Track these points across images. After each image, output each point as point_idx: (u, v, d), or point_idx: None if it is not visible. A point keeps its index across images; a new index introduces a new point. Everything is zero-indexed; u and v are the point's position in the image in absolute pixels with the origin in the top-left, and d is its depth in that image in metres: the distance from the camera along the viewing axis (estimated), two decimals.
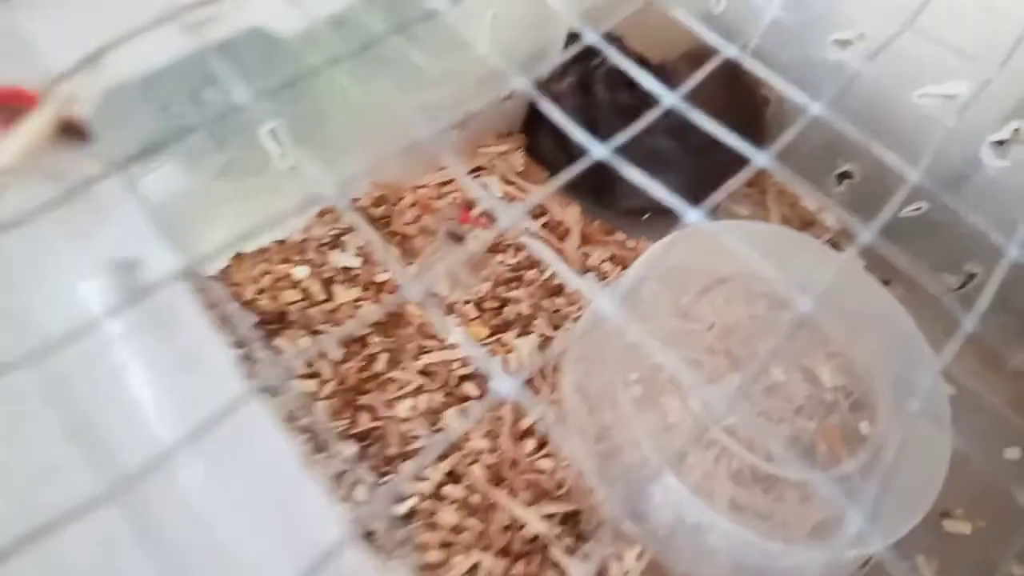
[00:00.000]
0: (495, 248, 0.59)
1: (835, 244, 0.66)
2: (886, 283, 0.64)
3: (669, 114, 0.63)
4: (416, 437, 0.49)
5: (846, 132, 0.27)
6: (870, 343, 0.55)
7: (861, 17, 0.58)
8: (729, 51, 0.30)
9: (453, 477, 0.47)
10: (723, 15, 0.66)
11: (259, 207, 0.53)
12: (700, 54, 0.63)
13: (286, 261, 0.52)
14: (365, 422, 0.49)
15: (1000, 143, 0.54)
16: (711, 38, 0.31)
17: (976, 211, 0.58)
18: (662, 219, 0.64)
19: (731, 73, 0.64)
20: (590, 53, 0.65)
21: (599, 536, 0.48)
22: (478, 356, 0.51)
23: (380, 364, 0.51)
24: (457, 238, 0.59)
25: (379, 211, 0.57)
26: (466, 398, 0.51)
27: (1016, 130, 0.53)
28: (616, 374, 0.54)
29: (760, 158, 0.26)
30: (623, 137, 0.28)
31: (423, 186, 0.61)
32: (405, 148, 0.55)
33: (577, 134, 0.26)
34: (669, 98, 0.31)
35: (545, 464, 0.49)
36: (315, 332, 0.50)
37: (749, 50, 0.66)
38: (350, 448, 0.47)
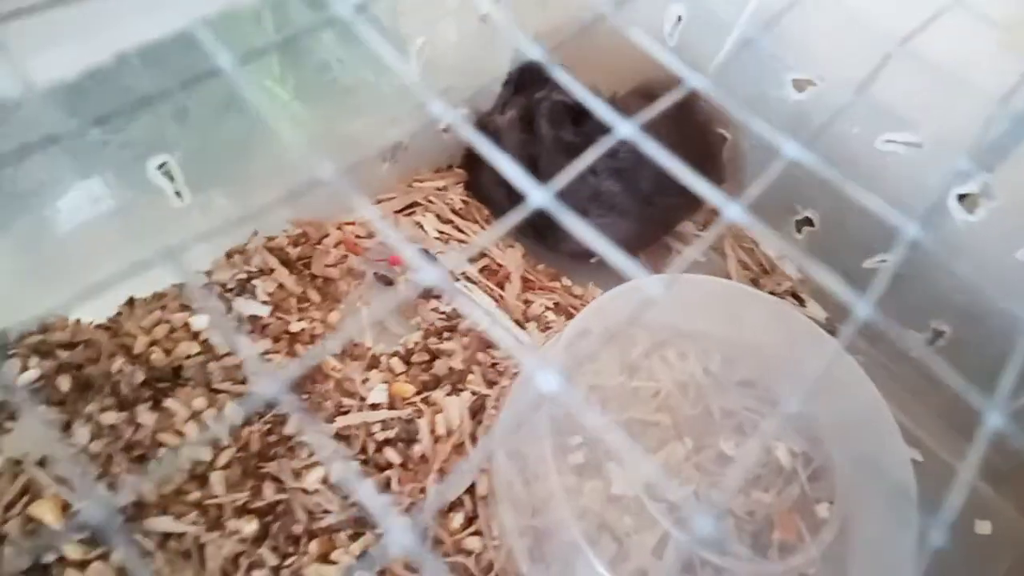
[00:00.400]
0: (428, 294, 0.53)
1: (795, 294, 0.62)
2: None
3: (615, 155, 0.58)
4: (327, 512, 0.43)
5: (825, 175, 0.23)
6: (829, 405, 0.51)
7: (820, 57, 0.54)
8: (695, 81, 0.26)
9: (367, 562, 0.41)
10: (675, 49, 0.63)
11: (157, 247, 0.47)
12: (651, 89, 0.59)
13: (185, 308, 0.46)
14: (269, 494, 0.42)
15: (965, 196, 0.51)
16: (676, 66, 0.27)
17: (946, 266, 0.55)
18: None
19: (682, 110, 0.60)
20: (534, 85, 0.62)
21: None
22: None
23: (290, 426, 0.45)
24: (386, 282, 0.54)
25: (298, 251, 0.52)
26: (387, 466, 0.45)
27: (983, 184, 0.49)
28: (555, 438, 0.49)
29: (731, 210, 0.21)
30: (565, 178, 0.22)
31: (350, 223, 0.55)
32: (317, 183, 0.50)
33: (518, 178, 0.21)
34: (625, 128, 0.26)
35: (473, 543, 0.44)
36: (214, 391, 0.44)
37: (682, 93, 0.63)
38: (250, 525, 0.41)
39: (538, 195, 0.23)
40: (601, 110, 0.23)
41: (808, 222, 0.60)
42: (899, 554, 0.42)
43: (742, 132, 0.62)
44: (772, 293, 0.61)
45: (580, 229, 0.20)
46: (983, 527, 0.52)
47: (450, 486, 0.44)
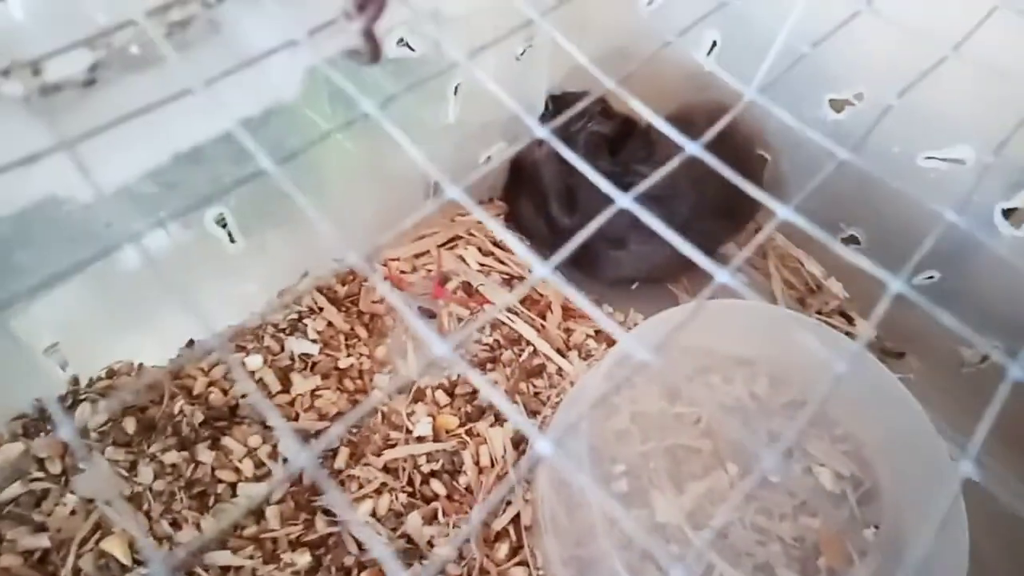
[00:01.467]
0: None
1: (843, 313, 0.61)
2: (900, 355, 0.59)
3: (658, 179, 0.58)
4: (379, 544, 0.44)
5: (873, 181, 0.23)
6: (877, 429, 0.50)
7: (858, 76, 0.54)
8: (750, 94, 0.26)
9: None
10: (713, 73, 0.63)
11: (217, 290, 0.50)
12: (689, 115, 0.59)
13: (240, 349, 0.49)
14: (321, 527, 0.44)
15: (1011, 211, 0.50)
16: (729, 79, 0.27)
17: (992, 281, 0.54)
18: (652, 289, 0.60)
19: (722, 132, 0.60)
20: (571, 117, 0.63)
21: None
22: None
23: (340, 460, 0.47)
24: (430, 315, 0.56)
25: (345, 289, 0.54)
26: (433, 498, 0.46)
27: None
28: (599, 467, 0.50)
29: (782, 211, 0.22)
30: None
31: (395, 259, 0.57)
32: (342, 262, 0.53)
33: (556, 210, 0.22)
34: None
35: (518, 573, 0.44)
36: (268, 428, 0.46)
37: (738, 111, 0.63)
38: (303, 558, 0.43)
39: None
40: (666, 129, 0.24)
41: (854, 240, 0.59)
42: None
43: (782, 154, 0.62)
44: (819, 312, 0.61)
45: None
46: None
47: (490, 504, 0.45)
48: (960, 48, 0.26)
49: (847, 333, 0.60)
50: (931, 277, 0.55)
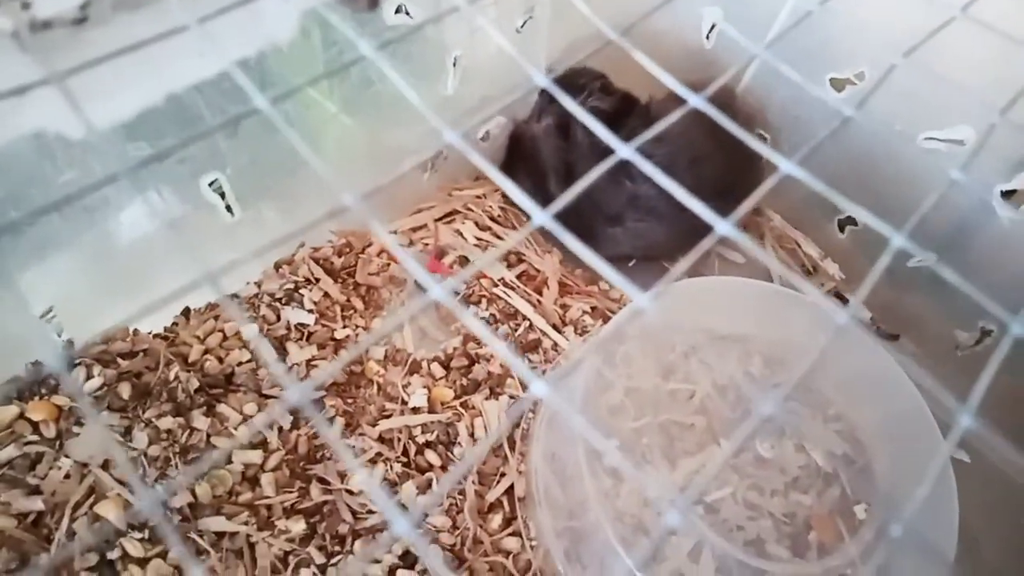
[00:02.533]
0: (467, 300, 0.55)
1: (839, 295, 0.61)
2: (895, 337, 0.60)
3: (650, 158, 0.59)
4: (371, 512, 0.44)
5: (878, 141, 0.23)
6: (871, 408, 0.51)
7: (860, 54, 0.54)
8: (757, 51, 0.26)
9: (407, 561, 0.43)
10: (714, 50, 0.63)
11: (213, 259, 0.50)
12: (689, 90, 0.59)
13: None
14: (316, 495, 0.44)
15: (1010, 193, 0.50)
16: (738, 36, 0.27)
17: (990, 262, 0.54)
18: (648, 266, 0.60)
19: (720, 112, 0.60)
20: (570, 92, 0.62)
21: None
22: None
23: (336, 429, 0.47)
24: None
25: (342, 260, 0.54)
26: (427, 468, 0.46)
27: None
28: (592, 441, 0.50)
29: (785, 164, 0.22)
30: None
31: (392, 232, 0.57)
32: (341, 211, 0.52)
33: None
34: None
35: (511, 543, 0.45)
36: (264, 396, 0.46)
37: (742, 86, 0.63)
38: (298, 525, 0.43)
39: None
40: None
41: (851, 221, 0.59)
42: (938, 557, 0.42)
43: (781, 133, 0.61)
44: None
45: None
46: None
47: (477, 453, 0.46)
48: (968, 10, 0.26)
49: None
50: (922, 260, 0.55)
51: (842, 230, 0.60)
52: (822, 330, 0.51)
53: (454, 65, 0.55)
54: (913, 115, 0.53)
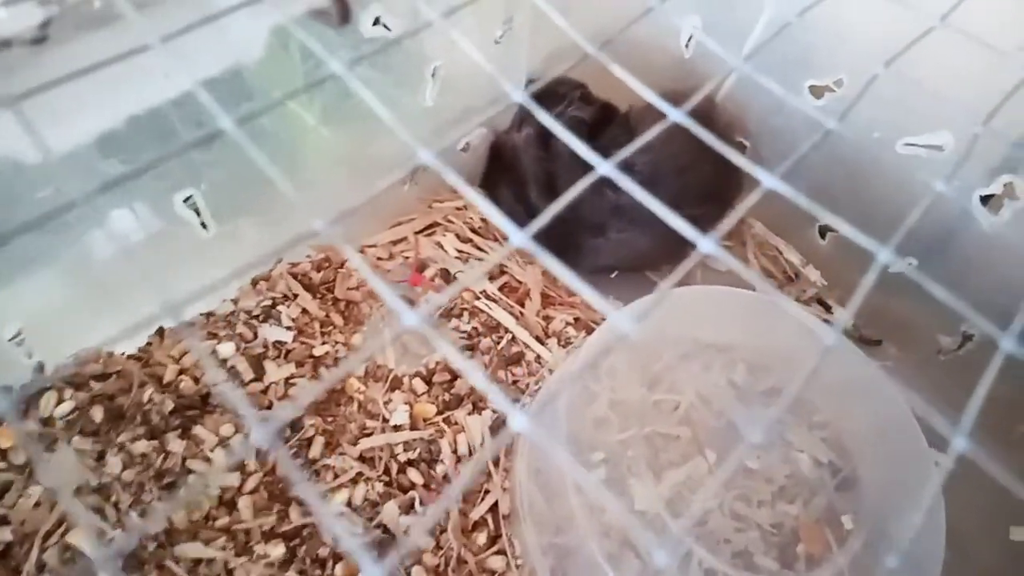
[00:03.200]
0: (448, 313, 0.54)
1: (820, 301, 0.61)
2: (877, 343, 0.59)
3: (632, 168, 0.59)
4: (352, 535, 0.43)
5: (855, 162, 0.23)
6: (856, 416, 0.50)
7: (838, 60, 0.54)
8: (735, 64, 0.26)
9: None
10: (695, 58, 0.63)
11: (189, 276, 0.49)
12: (669, 100, 0.58)
13: (212, 336, 0.48)
14: (296, 518, 0.43)
15: (989, 197, 0.50)
16: (717, 49, 0.27)
17: (970, 266, 0.54)
18: (632, 277, 0.60)
19: (700, 120, 0.60)
20: (550, 101, 0.62)
21: None
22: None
23: (315, 449, 0.46)
24: (408, 302, 0.55)
25: (320, 276, 0.53)
26: (410, 487, 0.46)
27: (1007, 184, 0.48)
28: (577, 455, 0.49)
29: (768, 179, 0.21)
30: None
31: (372, 246, 0.56)
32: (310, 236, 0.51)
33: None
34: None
35: (496, 562, 0.44)
36: (240, 416, 0.45)
37: (721, 96, 0.63)
38: (277, 549, 0.42)
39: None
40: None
41: (832, 228, 0.59)
42: (927, 564, 0.41)
43: (761, 141, 0.61)
44: (797, 300, 0.61)
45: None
46: (1020, 533, 0.51)
47: (463, 480, 0.45)
48: (947, 20, 0.26)
49: (825, 321, 0.60)
50: (912, 263, 0.55)
51: (823, 236, 0.60)
52: (807, 338, 0.51)
53: (433, 76, 0.54)
54: (892, 121, 0.53)
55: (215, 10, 0.19)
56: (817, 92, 0.56)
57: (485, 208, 0.21)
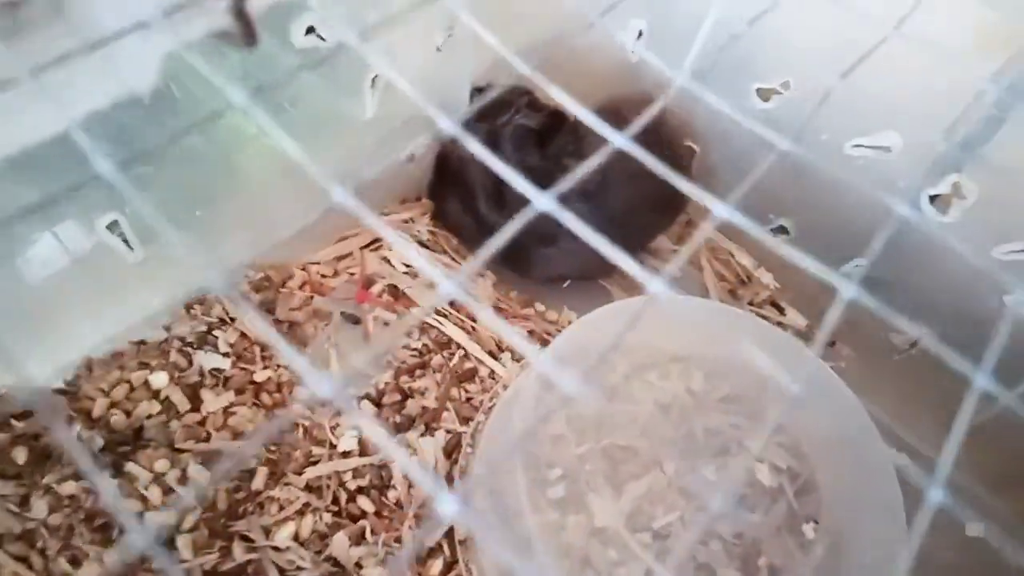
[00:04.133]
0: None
1: (774, 303, 0.61)
2: (831, 344, 0.59)
3: (584, 178, 0.57)
4: (300, 569, 0.41)
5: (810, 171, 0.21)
6: (812, 420, 0.50)
7: (784, 65, 0.53)
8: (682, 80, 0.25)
9: None
10: (640, 64, 0.62)
11: (117, 304, 0.46)
12: (617, 106, 0.57)
13: (143, 366, 0.45)
14: (239, 555, 0.41)
15: (937, 197, 0.50)
16: (658, 64, 0.26)
17: (920, 266, 0.54)
18: (585, 286, 0.59)
19: (649, 126, 0.59)
20: (497, 110, 0.61)
21: None
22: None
23: (258, 480, 0.43)
24: (354, 320, 0.53)
25: (260, 297, 0.50)
26: (360, 515, 0.44)
27: (955, 184, 0.48)
28: (535, 472, 0.48)
29: (719, 209, 0.20)
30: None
31: (315, 263, 0.54)
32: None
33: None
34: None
35: None
36: (177, 450, 0.43)
37: (668, 99, 0.62)
38: None
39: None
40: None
41: (783, 230, 0.59)
42: (891, 567, 0.41)
43: (711, 144, 0.61)
44: (751, 303, 0.60)
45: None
46: (975, 529, 0.51)
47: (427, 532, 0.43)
48: (901, 28, 0.25)
49: (779, 323, 0.60)
50: (859, 265, 0.55)
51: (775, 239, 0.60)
52: (763, 345, 0.50)
53: (373, 86, 0.52)
54: (840, 123, 0.53)
55: (100, 35, 0.17)
56: (765, 95, 0.55)
57: (415, 260, 0.19)
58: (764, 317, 0.58)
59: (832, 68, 0.28)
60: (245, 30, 0.22)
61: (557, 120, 0.59)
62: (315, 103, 0.50)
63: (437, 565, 0.43)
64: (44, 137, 0.28)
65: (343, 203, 0.17)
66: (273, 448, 0.45)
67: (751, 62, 0.55)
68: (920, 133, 0.50)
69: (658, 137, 0.59)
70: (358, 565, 0.42)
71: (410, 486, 0.45)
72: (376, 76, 0.52)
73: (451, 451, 0.47)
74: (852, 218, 0.53)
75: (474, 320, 0.54)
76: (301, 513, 0.43)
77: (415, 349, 0.51)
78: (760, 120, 0.61)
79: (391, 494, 0.44)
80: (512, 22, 0.58)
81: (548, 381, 0.46)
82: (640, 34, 0.61)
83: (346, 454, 0.45)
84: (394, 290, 0.54)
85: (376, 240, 0.57)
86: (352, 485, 0.44)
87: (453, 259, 0.57)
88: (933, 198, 0.51)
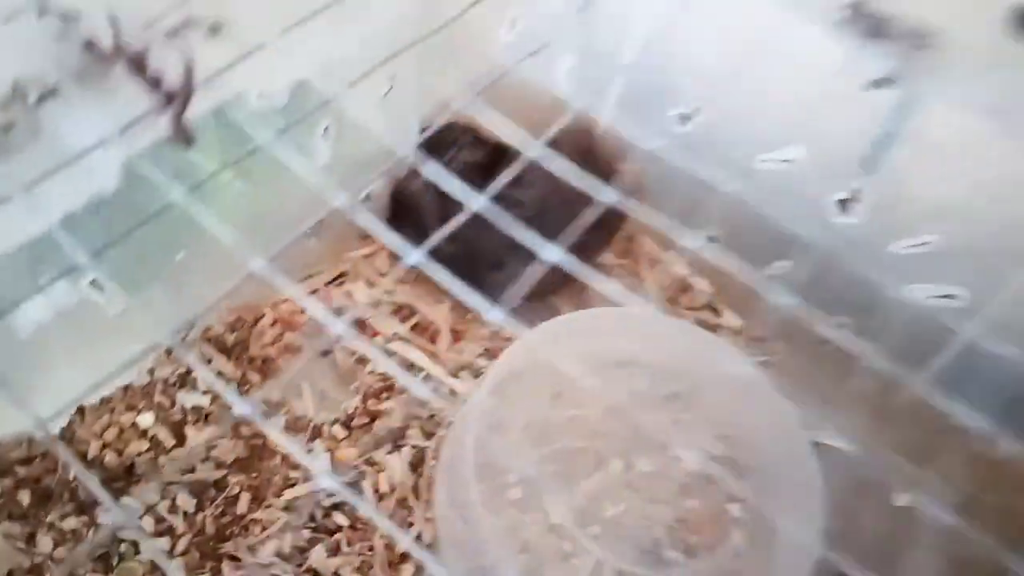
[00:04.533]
0: (364, 359, 0.57)
1: (711, 307, 0.66)
2: (762, 340, 0.65)
3: (522, 205, 0.63)
4: None
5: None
6: (745, 413, 0.55)
7: (694, 90, 0.59)
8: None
9: None
10: (575, 95, 0.67)
11: (104, 353, 0.50)
12: (558, 137, 0.63)
13: (131, 409, 0.50)
14: (228, 573, 0.46)
15: (843, 201, 0.56)
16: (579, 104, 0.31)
17: (833, 265, 0.60)
18: (536, 305, 0.64)
19: (585, 152, 0.64)
20: (441, 148, 0.66)
21: None
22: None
23: (242, 505, 0.48)
24: (324, 353, 0.57)
25: (234, 336, 0.55)
26: (336, 529, 0.48)
27: (856, 189, 0.54)
28: (492, 480, 0.53)
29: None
30: None
31: (285, 300, 0.59)
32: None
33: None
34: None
35: None
36: (168, 483, 0.48)
37: (601, 128, 0.67)
38: None
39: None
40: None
41: (713, 239, 0.64)
42: (805, 546, 0.46)
43: (644, 164, 0.66)
44: (689, 308, 0.65)
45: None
46: (902, 499, 0.56)
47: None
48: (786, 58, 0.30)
49: (716, 325, 0.65)
50: (782, 267, 0.61)
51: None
52: (701, 348, 0.55)
53: (324, 135, 0.57)
54: (749, 139, 0.58)
55: (72, 151, 0.22)
56: (683, 119, 0.61)
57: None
58: (702, 320, 0.64)
59: (735, 91, 0.33)
60: (184, 136, 0.27)
61: (501, 152, 0.65)
62: (270, 155, 0.55)
63: (408, 570, 0.48)
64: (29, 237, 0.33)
65: (262, 274, 0.22)
66: (254, 475, 0.50)
67: (669, 89, 0.61)
68: (824, 143, 0.56)
69: (594, 162, 0.64)
70: (336, 574, 0.46)
71: (380, 498, 0.49)
72: (328, 126, 0.57)
73: (417, 465, 0.52)
74: (773, 224, 0.58)
75: (434, 342, 0.59)
76: (282, 531, 0.48)
77: (380, 374, 0.56)
78: (681, 142, 0.67)
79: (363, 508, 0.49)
80: (453, 66, 0.64)
81: (498, 392, 0.51)
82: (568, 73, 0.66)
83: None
84: (360, 322, 0.59)
85: (339, 276, 0.62)
86: (327, 502, 0.49)
87: (412, 288, 0.62)
88: (841, 202, 0.56)
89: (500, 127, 0.60)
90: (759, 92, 0.56)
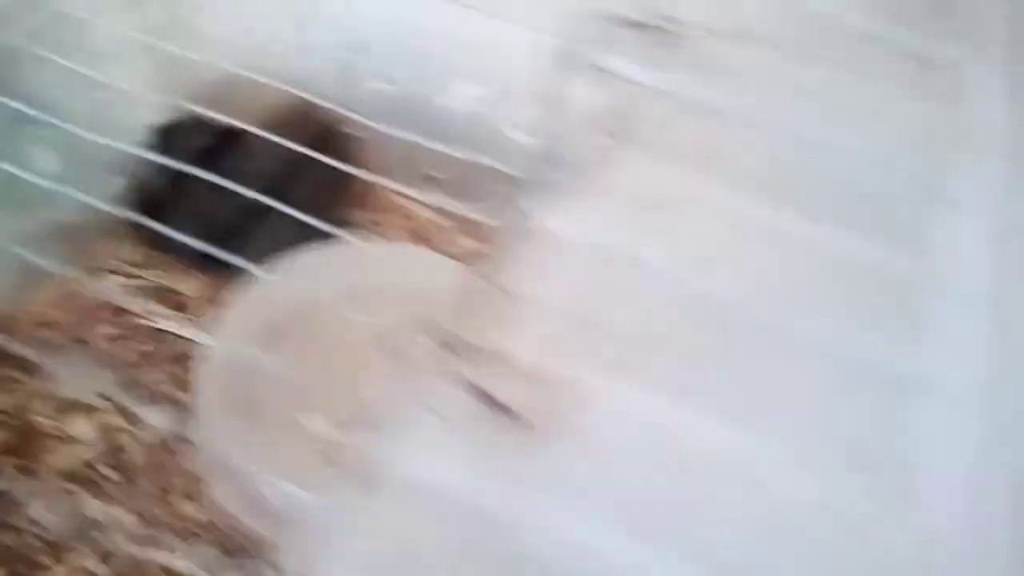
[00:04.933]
0: (124, 338, 0.62)
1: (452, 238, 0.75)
2: None
3: (263, 175, 0.68)
4: None
5: None
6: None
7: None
8: None
9: None
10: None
11: None
12: (286, 118, 0.69)
13: None
14: None
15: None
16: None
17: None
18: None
19: (325, 136, 0.71)
20: (172, 139, 0.71)
21: None
22: None
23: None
24: (83, 342, 0.62)
25: None
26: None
27: None
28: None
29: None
30: None
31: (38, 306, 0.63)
32: None
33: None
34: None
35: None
36: None
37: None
38: None
39: None
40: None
41: (434, 178, 0.73)
42: None
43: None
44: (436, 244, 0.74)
45: None
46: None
47: None
48: None
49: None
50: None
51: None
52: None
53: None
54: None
55: None
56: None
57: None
58: (440, 248, 0.73)
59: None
60: None
61: (230, 136, 0.70)
62: None
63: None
64: None
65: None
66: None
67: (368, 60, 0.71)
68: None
69: (323, 131, 0.72)
70: None
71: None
72: (48, 133, 0.61)
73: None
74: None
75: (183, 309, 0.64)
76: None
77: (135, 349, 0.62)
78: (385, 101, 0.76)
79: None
80: (185, 62, 0.69)
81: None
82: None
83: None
84: (118, 309, 0.64)
85: (97, 270, 0.66)
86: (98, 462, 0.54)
87: (164, 272, 0.67)
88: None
89: (225, 115, 0.67)
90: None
